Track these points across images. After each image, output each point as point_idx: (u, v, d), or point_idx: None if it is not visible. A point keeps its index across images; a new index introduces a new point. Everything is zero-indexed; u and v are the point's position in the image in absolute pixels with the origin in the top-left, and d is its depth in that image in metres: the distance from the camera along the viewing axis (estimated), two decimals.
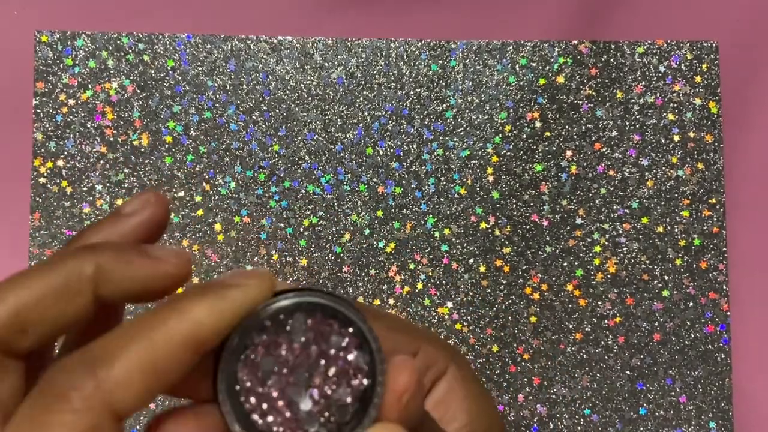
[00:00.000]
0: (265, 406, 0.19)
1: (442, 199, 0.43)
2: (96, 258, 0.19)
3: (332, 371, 0.19)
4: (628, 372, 0.42)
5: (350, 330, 0.20)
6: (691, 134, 0.43)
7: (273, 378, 0.19)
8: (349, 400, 0.19)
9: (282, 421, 0.19)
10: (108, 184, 0.42)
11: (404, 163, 0.43)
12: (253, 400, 0.19)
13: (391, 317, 0.31)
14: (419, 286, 0.42)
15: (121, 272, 0.19)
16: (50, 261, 0.19)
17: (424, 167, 0.43)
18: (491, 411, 0.30)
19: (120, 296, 0.19)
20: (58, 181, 0.42)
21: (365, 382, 0.19)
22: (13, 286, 0.19)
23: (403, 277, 0.42)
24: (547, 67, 0.43)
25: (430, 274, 0.42)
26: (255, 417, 0.19)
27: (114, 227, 0.21)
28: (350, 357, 0.19)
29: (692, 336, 0.42)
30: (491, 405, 0.31)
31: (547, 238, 0.43)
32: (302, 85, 0.43)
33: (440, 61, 0.43)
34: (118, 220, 0.21)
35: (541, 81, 0.43)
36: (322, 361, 0.19)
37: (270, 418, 0.19)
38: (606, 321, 0.42)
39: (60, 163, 0.42)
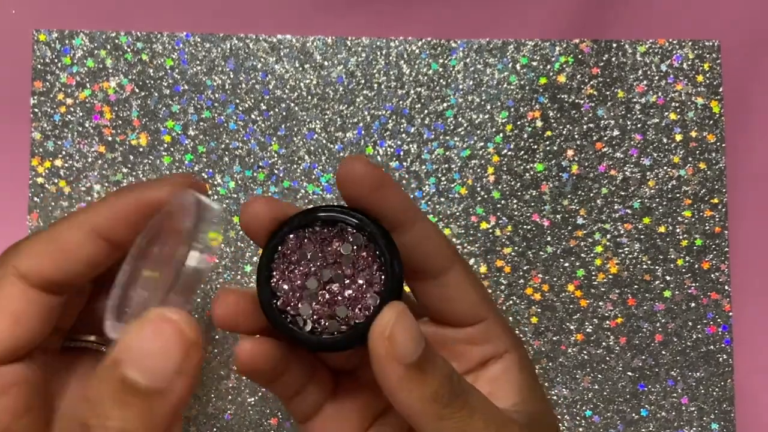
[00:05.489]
0: (286, 283, 0.24)
1: (442, 199, 0.43)
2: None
3: (349, 280, 0.24)
4: (629, 373, 0.42)
5: (378, 253, 0.24)
6: (693, 134, 0.43)
7: (301, 267, 0.24)
8: (349, 313, 0.24)
9: (294, 297, 0.24)
10: (106, 184, 0.42)
11: (404, 163, 0.43)
12: (277, 275, 0.24)
13: (480, 284, 0.33)
14: None
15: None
16: None
17: (424, 167, 0.43)
18: (543, 402, 0.30)
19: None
20: (56, 180, 0.42)
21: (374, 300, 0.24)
22: None
23: None
24: (549, 66, 0.43)
25: None
26: (276, 287, 0.24)
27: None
28: (367, 275, 0.24)
29: (694, 337, 0.42)
30: (544, 398, 0.31)
31: (548, 239, 0.42)
32: (302, 84, 0.43)
33: (441, 60, 0.43)
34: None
35: (542, 80, 0.43)
36: (344, 268, 0.24)
37: (286, 287, 0.24)
38: (607, 322, 0.42)
39: (58, 162, 0.42)
